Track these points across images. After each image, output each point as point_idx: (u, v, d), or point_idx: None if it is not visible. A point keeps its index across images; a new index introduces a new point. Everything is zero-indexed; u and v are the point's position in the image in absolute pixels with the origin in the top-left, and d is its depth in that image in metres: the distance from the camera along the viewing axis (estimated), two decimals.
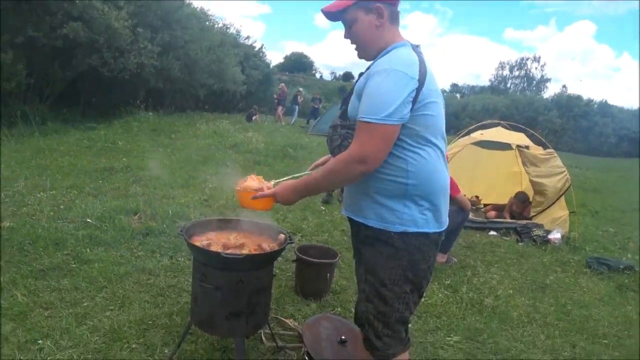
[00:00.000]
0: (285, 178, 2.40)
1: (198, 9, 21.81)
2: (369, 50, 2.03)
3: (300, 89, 26.57)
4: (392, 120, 1.77)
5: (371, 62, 2.01)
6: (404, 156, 1.87)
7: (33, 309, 3.14)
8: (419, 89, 1.81)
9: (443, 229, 2.02)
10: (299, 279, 3.93)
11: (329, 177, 1.90)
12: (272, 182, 2.39)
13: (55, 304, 3.24)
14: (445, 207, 2.03)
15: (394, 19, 2.00)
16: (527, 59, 70.36)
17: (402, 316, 2.02)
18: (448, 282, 4.61)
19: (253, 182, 2.26)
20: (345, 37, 2.07)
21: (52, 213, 5.07)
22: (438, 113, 1.92)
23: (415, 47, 1.95)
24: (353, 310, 2.52)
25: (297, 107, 24.90)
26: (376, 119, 1.76)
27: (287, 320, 3.37)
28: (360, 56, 2.10)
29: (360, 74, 2.08)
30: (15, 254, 3.93)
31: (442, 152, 1.98)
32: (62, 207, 5.33)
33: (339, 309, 3.72)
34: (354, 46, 2.07)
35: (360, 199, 1.99)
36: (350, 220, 2.12)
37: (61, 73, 14.37)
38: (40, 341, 2.78)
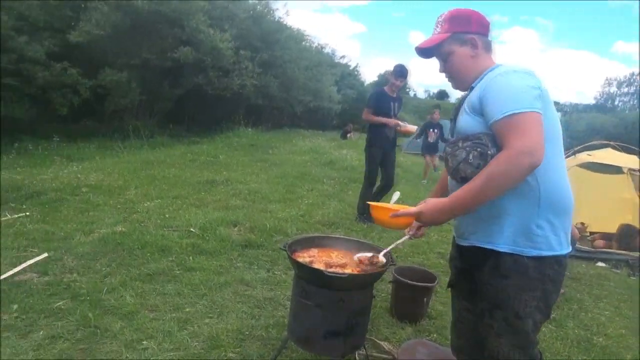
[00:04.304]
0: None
1: (295, 30, 22.53)
2: (465, 81, 2.01)
3: None
4: (537, 108, 1.70)
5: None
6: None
7: (140, 310, 3.29)
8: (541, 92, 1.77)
9: (570, 250, 1.90)
10: (395, 301, 3.83)
11: (489, 182, 1.68)
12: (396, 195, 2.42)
13: (160, 307, 3.38)
14: (570, 227, 1.92)
15: (488, 47, 2.01)
16: (638, 74, 65.39)
17: (536, 342, 1.95)
18: (552, 315, 4.29)
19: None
20: (441, 71, 2.08)
21: (159, 221, 5.34)
22: (558, 125, 1.86)
23: None
24: (449, 337, 2.42)
25: None
26: (523, 108, 1.68)
27: (381, 343, 3.28)
28: (455, 87, 2.09)
29: (462, 98, 2.06)
30: (125, 257, 4.17)
31: (562, 166, 1.89)
32: (167, 215, 5.61)
33: (435, 335, 3.57)
34: (449, 79, 2.08)
35: (488, 222, 1.86)
36: (469, 250, 1.99)
37: (169, 91, 15.35)
38: (145, 342, 2.90)
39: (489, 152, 1.76)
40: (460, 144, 1.87)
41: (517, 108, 1.68)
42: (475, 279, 2.00)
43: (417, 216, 1.89)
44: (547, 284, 1.84)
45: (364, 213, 6.43)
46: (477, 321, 2.04)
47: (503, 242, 1.84)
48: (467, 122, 1.89)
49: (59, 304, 3.24)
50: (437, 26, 2.03)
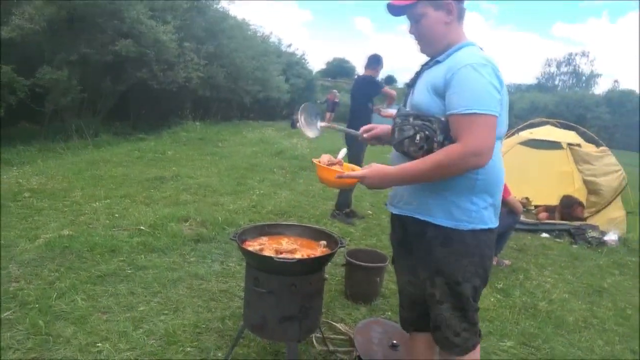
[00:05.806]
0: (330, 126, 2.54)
1: (240, 20, 22.28)
2: (434, 46, 2.01)
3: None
4: (496, 112, 1.79)
5: (434, 57, 2.02)
6: None
7: (92, 313, 3.26)
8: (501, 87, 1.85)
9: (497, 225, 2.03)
10: (348, 283, 3.93)
11: (436, 170, 1.79)
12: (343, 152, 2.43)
13: (113, 309, 3.35)
14: (499, 204, 2.04)
15: (461, 16, 2.00)
16: (576, 54, 68.18)
17: (476, 308, 2.04)
18: (500, 285, 4.51)
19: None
20: (411, 32, 2.05)
21: (107, 221, 5.25)
22: (505, 111, 1.94)
23: (481, 49, 1.97)
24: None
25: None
26: (487, 111, 1.76)
27: (337, 325, 3.37)
28: (423, 51, 2.08)
29: (423, 66, 2.08)
30: (74, 261, 4.08)
31: (499, 149, 1.99)
32: (116, 215, 5.51)
33: (389, 313, 3.70)
34: (417, 41, 2.06)
35: (426, 196, 1.95)
36: (408, 220, 2.07)
37: (112, 87, 14.87)
38: (99, 344, 2.88)
39: (435, 138, 1.85)
40: (410, 120, 1.93)
41: (480, 108, 1.75)
42: (414, 250, 2.09)
43: (362, 179, 1.97)
44: (484, 249, 1.96)
45: (343, 209, 6.31)
46: (420, 293, 2.13)
47: (441, 216, 1.94)
48: (425, 100, 1.93)
49: (6, 314, 3.15)
50: None
